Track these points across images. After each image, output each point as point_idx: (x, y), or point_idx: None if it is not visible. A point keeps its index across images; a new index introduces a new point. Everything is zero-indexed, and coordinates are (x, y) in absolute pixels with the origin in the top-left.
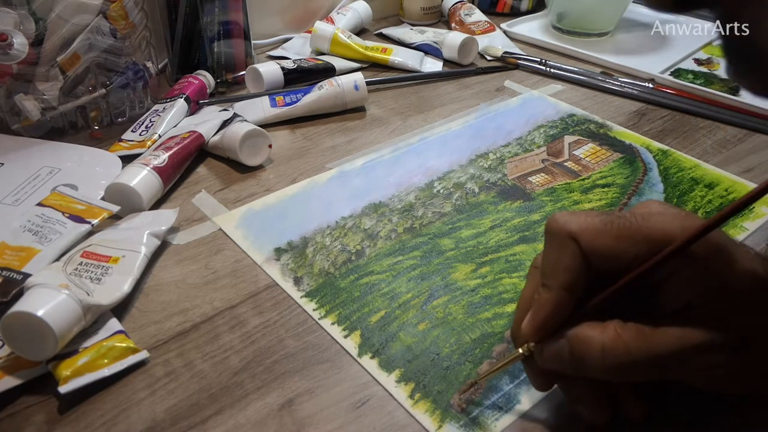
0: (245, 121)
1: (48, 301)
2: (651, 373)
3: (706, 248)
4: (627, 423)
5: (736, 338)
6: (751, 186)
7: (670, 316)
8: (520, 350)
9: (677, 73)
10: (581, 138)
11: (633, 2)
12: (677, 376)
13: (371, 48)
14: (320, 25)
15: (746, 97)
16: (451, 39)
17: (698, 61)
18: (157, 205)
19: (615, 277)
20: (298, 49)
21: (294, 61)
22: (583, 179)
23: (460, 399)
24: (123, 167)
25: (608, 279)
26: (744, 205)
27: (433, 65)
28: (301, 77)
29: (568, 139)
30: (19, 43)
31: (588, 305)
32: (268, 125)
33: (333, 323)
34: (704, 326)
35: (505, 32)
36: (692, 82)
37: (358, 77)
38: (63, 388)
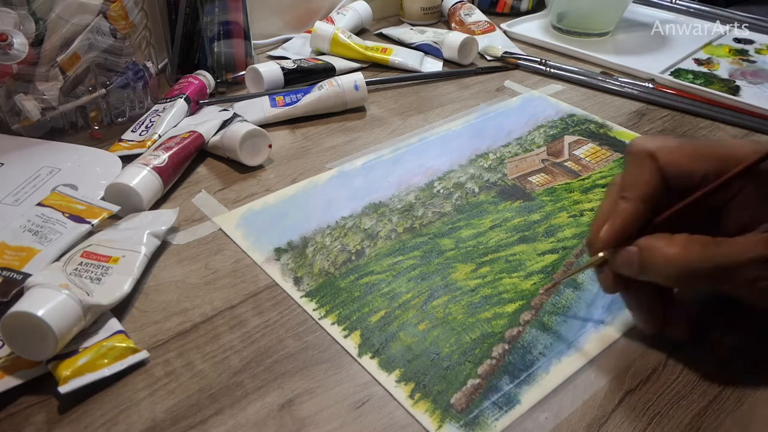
0: (245, 121)
1: (48, 301)
2: (708, 282)
3: None
4: (671, 339)
5: None
6: None
7: (733, 235)
8: (600, 255)
9: (677, 73)
10: (581, 138)
11: (633, 2)
12: (732, 287)
13: (371, 48)
14: (320, 25)
15: (746, 97)
16: (451, 39)
17: (698, 61)
18: (157, 205)
19: (687, 196)
20: (298, 49)
21: (294, 61)
22: (583, 179)
23: (540, 300)
24: (123, 167)
25: (681, 199)
26: None
27: (433, 65)
28: (301, 77)
29: (568, 139)
30: (19, 43)
31: (658, 219)
32: (268, 125)
33: (333, 323)
34: (763, 240)
35: (505, 32)
36: (692, 82)
37: (358, 77)
38: (63, 388)
